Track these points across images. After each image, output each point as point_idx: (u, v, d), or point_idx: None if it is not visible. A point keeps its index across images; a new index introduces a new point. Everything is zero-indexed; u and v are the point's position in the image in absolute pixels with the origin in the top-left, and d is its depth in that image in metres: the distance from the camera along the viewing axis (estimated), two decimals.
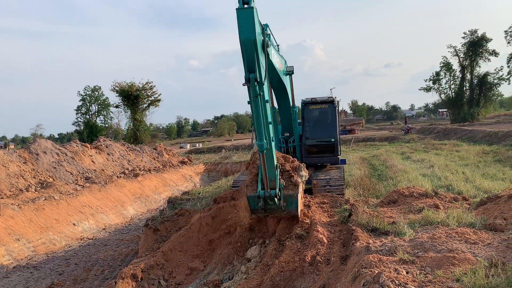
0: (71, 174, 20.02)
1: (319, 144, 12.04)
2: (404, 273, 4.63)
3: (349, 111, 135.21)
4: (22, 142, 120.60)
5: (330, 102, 12.30)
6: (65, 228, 14.16)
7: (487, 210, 7.37)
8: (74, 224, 14.63)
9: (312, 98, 12.39)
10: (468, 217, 6.88)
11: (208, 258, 8.55)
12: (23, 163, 18.46)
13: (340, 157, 12.46)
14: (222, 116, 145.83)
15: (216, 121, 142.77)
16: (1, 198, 14.76)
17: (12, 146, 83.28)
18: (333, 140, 12.04)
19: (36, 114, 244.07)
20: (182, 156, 37.88)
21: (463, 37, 59.34)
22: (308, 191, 11.53)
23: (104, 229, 15.41)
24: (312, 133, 12.04)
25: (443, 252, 5.09)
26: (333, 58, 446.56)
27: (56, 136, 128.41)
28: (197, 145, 62.93)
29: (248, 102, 6.61)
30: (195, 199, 14.02)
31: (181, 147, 60.47)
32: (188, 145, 63.82)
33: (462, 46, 59.69)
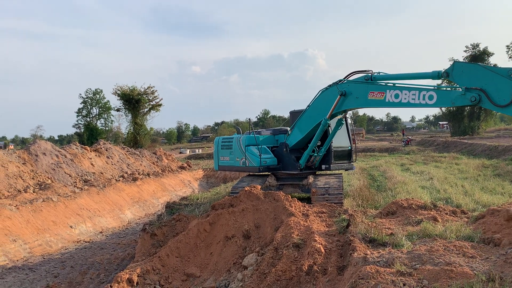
0: (69, 176, 20.01)
1: (343, 150, 12.97)
2: (401, 285, 4.62)
3: (349, 121, 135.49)
4: (22, 143, 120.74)
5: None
6: (62, 230, 14.12)
7: (485, 224, 7.35)
8: (71, 227, 14.59)
9: None
10: (467, 230, 6.85)
11: (204, 265, 8.51)
12: (22, 164, 18.46)
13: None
14: (222, 122, 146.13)
15: (216, 127, 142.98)
16: None
17: (11, 147, 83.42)
18: (349, 147, 13.22)
19: (36, 115, 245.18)
20: (181, 161, 37.87)
21: (465, 51, 59.49)
22: (306, 200, 11.54)
23: (101, 232, 15.36)
24: (336, 140, 12.60)
25: (440, 265, 5.07)
26: (334, 67, 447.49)
27: (56, 137, 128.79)
28: (197, 150, 62.96)
29: None
30: (193, 205, 13.99)
31: (180, 152, 60.48)
32: (188, 150, 63.85)
33: (464, 59, 59.86)
